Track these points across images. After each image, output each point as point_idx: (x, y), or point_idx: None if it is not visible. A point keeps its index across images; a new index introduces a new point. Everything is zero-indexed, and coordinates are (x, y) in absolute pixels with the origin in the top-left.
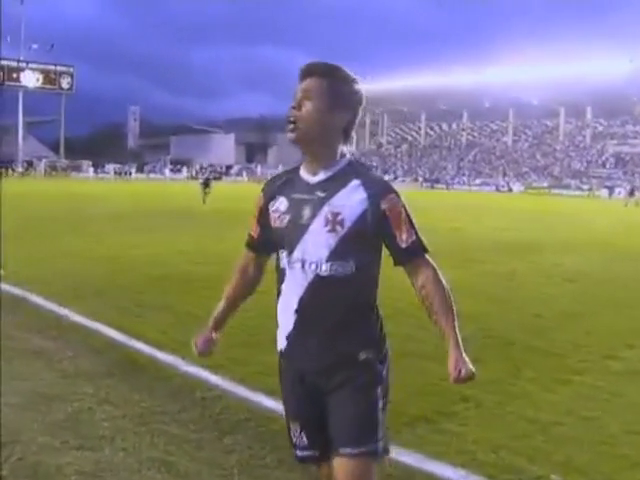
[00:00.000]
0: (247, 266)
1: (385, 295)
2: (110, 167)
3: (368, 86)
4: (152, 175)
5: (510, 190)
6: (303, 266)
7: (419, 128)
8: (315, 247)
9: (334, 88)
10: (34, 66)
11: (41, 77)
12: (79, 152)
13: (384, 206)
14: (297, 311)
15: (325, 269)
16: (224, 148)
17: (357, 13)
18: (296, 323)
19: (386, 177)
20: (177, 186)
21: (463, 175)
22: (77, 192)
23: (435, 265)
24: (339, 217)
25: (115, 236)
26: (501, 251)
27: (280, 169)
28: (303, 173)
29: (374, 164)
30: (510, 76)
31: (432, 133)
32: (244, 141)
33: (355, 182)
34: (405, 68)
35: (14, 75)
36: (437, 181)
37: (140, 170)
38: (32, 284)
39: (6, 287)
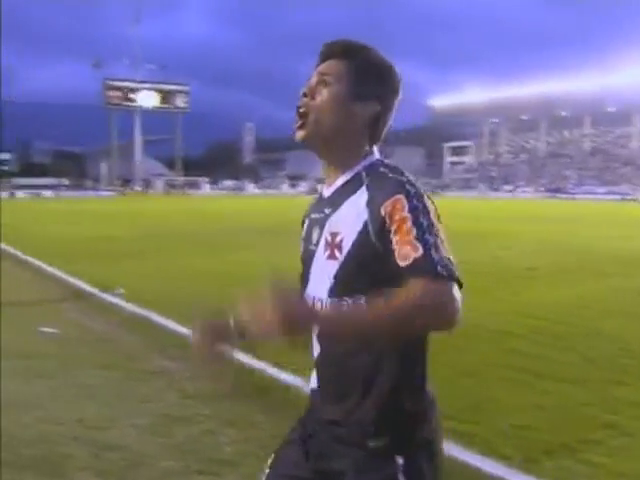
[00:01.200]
0: None
1: (518, 312)
2: (226, 183)
3: (485, 94)
4: (269, 190)
5: (636, 199)
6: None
7: (539, 136)
8: (318, 281)
9: (358, 72)
10: (150, 86)
11: (157, 96)
12: (195, 169)
13: (384, 211)
14: (316, 365)
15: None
16: None
17: (472, 19)
18: (318, 380)
19: (506, 187)
20: (295, 201)
21: (586, 184)
22: (195, 209)
23: (451, 301)
24: (337, 238)
25: (235, 253)
26: (628, 264)
27: None
28: (324, 184)
29: (492, 174)
30: (635, 79)
31: (552, 141)
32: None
33: (362, 187)
34: (523, 74)
35: (131, 95)
36: (558, 190)
37: (256, 185)
38: (153, 302)
39: (128, 306)
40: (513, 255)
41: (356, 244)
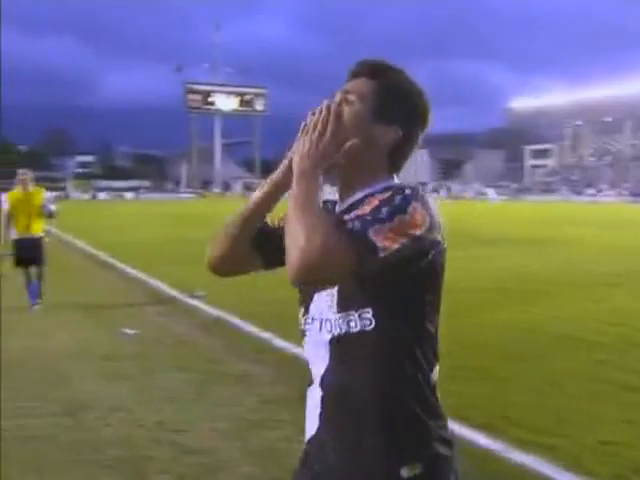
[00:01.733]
0: None
1: (602, 320)
2: None
3: (567, 96)
4: None
5: None
6: (320, 328)
7: (623, 138)
8: (323, 298)
9: (383, 93)
10: (229, 89)
11: (236, 100)
12: (273, 171)
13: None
14: (322, 398)
15: (334, 326)
16: (417, 165)
17: (554, 19)
18: (320, 416)
19: (588, 191)
20: None
21: None
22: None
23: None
24: None
25: None
26: None
27: (476, 186)
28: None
29: (574, 177)
30: None
31: (637, 143)
32: (438, 157)
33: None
34: (606, 75)
35: (211, 99)
36: None
37: (332, 190)
38: (233, 306)
39: (209, 309)
40: (593, 261)
41: None
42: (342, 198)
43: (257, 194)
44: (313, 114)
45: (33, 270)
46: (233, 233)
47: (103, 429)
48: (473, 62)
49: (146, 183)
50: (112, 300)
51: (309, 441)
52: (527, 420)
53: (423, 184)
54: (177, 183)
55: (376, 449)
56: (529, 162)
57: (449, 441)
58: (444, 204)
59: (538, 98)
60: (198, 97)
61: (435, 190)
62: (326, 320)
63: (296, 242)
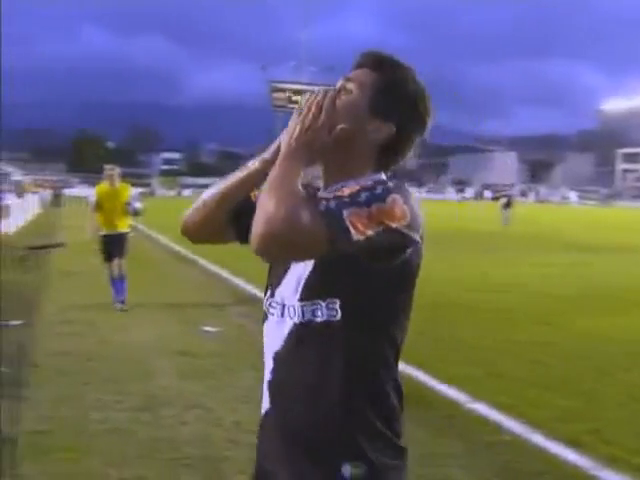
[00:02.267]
0: None
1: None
2: None
3: None
4: (431, 195)
5: None
6: (282, 313)
7: None
8: (290, 284)
9: (383, 88)
10: (315, 88)
11: None
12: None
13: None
14: (269, 380)
15: (297, 313)
16: (505, 167)
17: None
18: (270, 397)
19: None
20: (462, 206)
21: None
22: None
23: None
24: None
25: None
26: None
27: (564, 189)
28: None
29: None
30: None
31: None
32: (527, 159)
33: None
34: None
35: (296, 97)
36: None
37: (420, 190)
38: None
39: None
40: None
41: None
42: (325, 187)
43: (241, 172)
44: (310, 97)
45: (115, 263)
46: (210, 206)
47: (181, 427)
48: (565, 62)
49: None
50: (194, 297)
51: (263, 416)
52: (617, 437)
53: (510, 185)
54: None
55: (319, 442)
56: (620, 166)
57: (402, 449)
58: (531, 208)
59: (631, 99)
60: (283, 95)
61: (523, 193)
62: (290, 306)
63: (264, 210)
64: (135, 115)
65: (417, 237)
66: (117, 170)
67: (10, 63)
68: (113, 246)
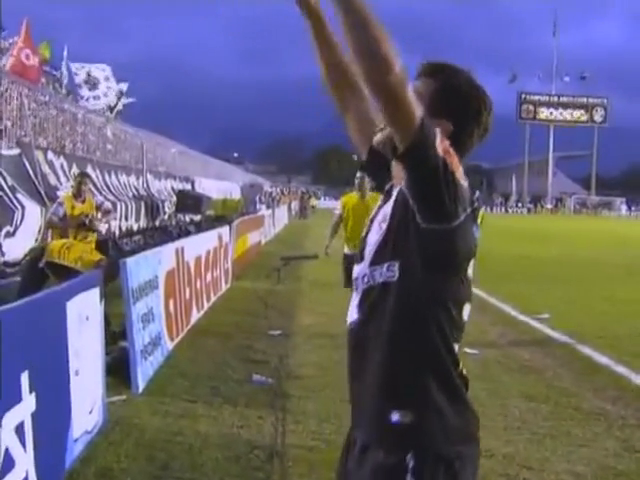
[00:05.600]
0: None
1: None
2: None
3: None
4: None
5: None
6: (358, 284)
7: None
8: (365, 255)
9: (438, 91)
10: (564, 100)
11: (573, 111)
12: (611, 188)
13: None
14: (348, 340)
15: (368, 276)
16: None
17: None
18: (348, 355)
19: None
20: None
21: None
22: (610, 231)
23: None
24: (385, 214)
25: None
26: None
27: None
28: None
29: None
30: None
31: None
32: None
33: None
34: None
35: (544, 109)
36: None
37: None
38: (580, 333)
39: (553, 333)
40: None
41: (395, 206)
42: (396, 186)
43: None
44: None
45: None
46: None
47: None
48: None
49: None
50: None
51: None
52: None
53: None
54: (506, 197)
55: (374, 388)
56: None
57: (457, 409)
58: None
59: None
60: (531, 107)
61: None
62: (364, 274)
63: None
64: None
65: (468, 208)
66: (367, 178)
67: (256, 77)
68: None
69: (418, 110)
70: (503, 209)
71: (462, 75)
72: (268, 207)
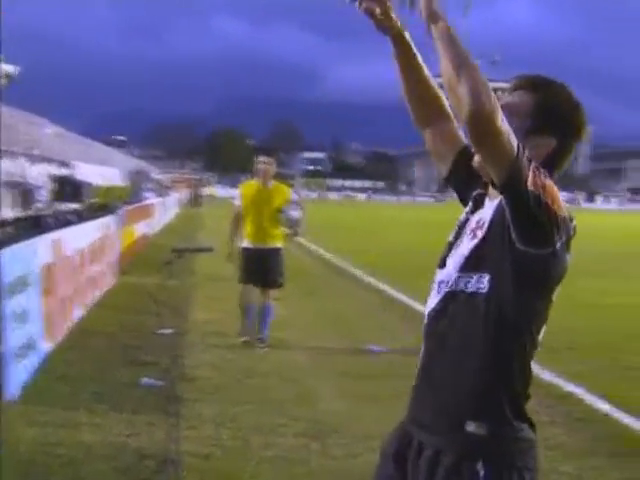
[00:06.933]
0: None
1: None
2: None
3: None
4: (605, 206)
5: None
6: (440, 288)
7: None
8: (453, 260)
9: (541, 107)
10: None
11: None
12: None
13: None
14: (424, 341)
15: (452, 282)
16: None
17: None
18: (422, 359)
19: None
20: None
21: None
22: None
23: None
24: (481, 221)
25: (594, 279)
26: None
27: None
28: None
29: None
30: None
31: None
32: None
33: None
34: None
35: None
36: None
37: (590, 200)
38: None
39: None
40: None
41: (493, 219)
42: (490, 199)
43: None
44: None
45: (258, 292)
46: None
47: (353, 460)
48: None
49: (380, 184)
50: (356, 313)
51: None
52: None
53: None
54: (410, 185)
55: (451, 398)
56: None
57: (524, 427)
58: None
59: None
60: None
61: None
62: (447, 279)
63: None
64: (273, 110)
65: (564, 237)
66: (273, 164)
67: (140, 54)
68: (257, 265)
69: (514, 146)
70: (410, 197)
71: (563, 90)
72: (158, 195)
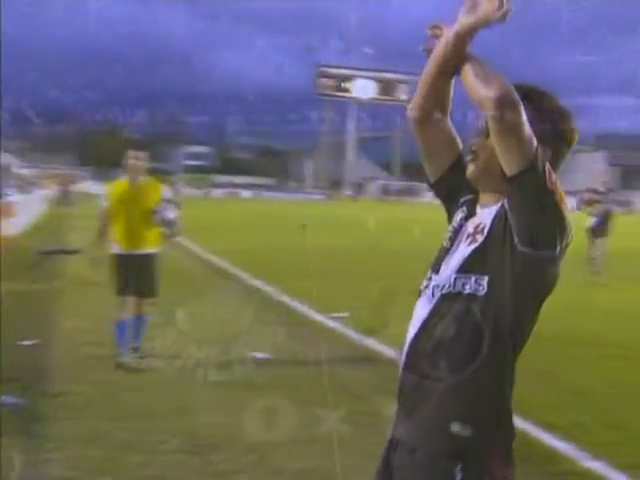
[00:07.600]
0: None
1: None
2: None
3: None
4: None
5: None
6: (434, 291)
7: None
8: (449, 264)
9: (533, 117)
10: (368, 74)
11: (376, 87)
12: (417, 173)
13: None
14: (410, 344)
15: (449, 284)
16: (591, 171)
17: None
18: (406, 358)
19: None
20: None
21: None
22: (416, 219)
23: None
24: (480, 226)
25: None
26: None
27: None
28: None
29: None
30: None
31: None
32: (619, 162)
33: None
34: None
35: (345, 85)
36: None
37: None
38: (382, 332)
39: (352, 333)
40: None
41: (493, 223)
42: (486, 201)
43: (438, 50)
44: None
45: (133, 302)
46: (423, 89)
47: (236, 476)
48: None
49: (269, 180)
50: (236, 317)
51: (399, 381)
52: None
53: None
54: (300, 181)
55: (438, 398)
56: None
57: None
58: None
59: None
60: (331, 83)
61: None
62: (443, 281)
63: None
64: (152, 101)
65: (564, 240)
66: (143, 160)
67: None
68: (130, 273)
69: (534, 139)
70: (301, 195)
71: (552, 99)
72: (21, 192)
